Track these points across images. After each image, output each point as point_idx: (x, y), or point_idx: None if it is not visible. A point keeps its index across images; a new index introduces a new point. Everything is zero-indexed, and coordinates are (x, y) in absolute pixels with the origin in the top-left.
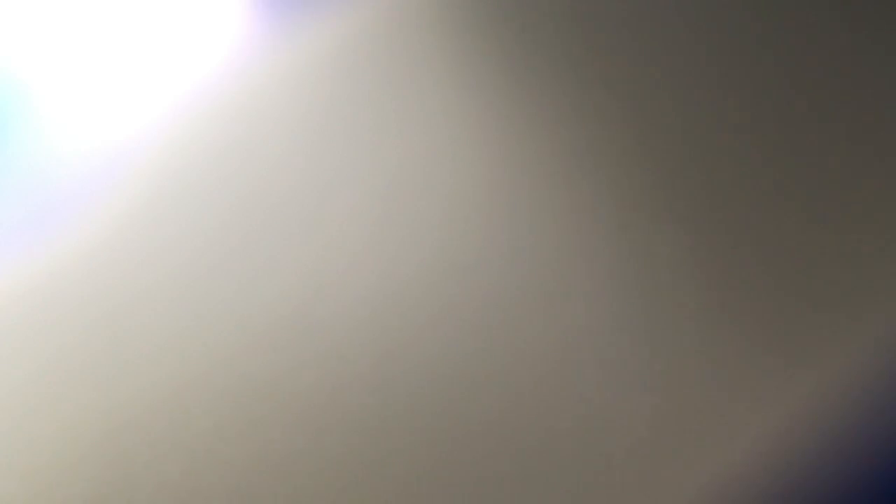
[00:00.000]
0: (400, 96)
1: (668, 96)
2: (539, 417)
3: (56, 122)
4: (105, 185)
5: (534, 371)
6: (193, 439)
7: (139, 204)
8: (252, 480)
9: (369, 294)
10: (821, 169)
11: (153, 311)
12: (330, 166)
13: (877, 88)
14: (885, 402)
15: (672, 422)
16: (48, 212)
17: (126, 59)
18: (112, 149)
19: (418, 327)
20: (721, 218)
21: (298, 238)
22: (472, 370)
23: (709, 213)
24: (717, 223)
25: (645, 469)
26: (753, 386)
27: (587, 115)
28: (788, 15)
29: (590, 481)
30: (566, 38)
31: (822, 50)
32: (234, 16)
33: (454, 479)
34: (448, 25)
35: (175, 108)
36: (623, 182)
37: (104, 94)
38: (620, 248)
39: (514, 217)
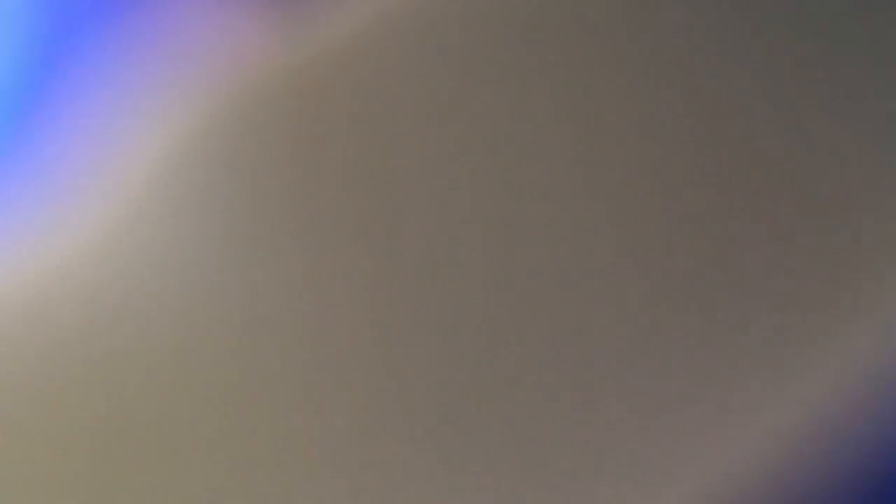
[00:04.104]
0: (401, 97)
1: (669, 98)
2: (538, 418)
3: (57, 121)
4: (104, 185)
5: (533, 372)
6: (194, 440)
7: (137, 204)
8: (252, 481)
9: (370, 295)
10: (824, 171)
11: (152, 310)
12: (330, 167)
13: (880, 91)
14: (887, 403)
15: (673, 422)
16: (48, 210)
17: (127, 59)
18: (111, 148)
19: (418, 328)
20: (723, 218)
21: (299, 238)
22: (473, 371)
23: (711, 214)
24: (718, 223)
25: (646, 470)
26: (756, 386)
27: (588, 116)
28: (791, 16)
29: (590, 482)
30: (568, 39)
31: (826, 51)
32: (234, 17)
33: (454, 480)
34: (449, 27)
35: (175, 109)
36: (624, 183)
37: (105, 93)
38: (621, 249)
39: (515, 218)
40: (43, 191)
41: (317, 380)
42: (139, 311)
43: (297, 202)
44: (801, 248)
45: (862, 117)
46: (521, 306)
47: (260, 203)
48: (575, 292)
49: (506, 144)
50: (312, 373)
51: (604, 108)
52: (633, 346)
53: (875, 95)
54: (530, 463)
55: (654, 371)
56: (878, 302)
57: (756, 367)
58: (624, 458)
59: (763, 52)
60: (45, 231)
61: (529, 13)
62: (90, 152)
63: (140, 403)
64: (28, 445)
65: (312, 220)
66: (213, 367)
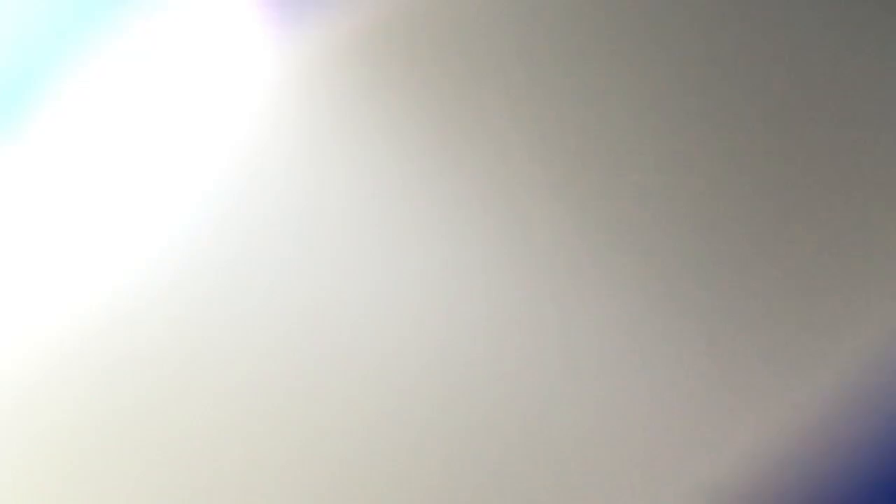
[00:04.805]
0: (405, 99)
1: (672, 98)
2: (539, 420)
3: (59, 122)
4: (103, 183)
5: (533, 373)
6: (194, 443)
7: (134, 204)
8: (253, 486)
9: (371, 298)
10: (826, 170)
11: (149, 312)
12: (333, 168)
13: (880, 90)
14: (888, 403)
15: (674, 424)
16: (47, 210)
17: (130, 61)
18: (113, 148)
19: (418, 330)
20: (725, 219)
21: (301, 239)
22: (473, 373)
23: (712, 215)
24: (720, 224)
25: (647, 472)
26: (757, 387)
27: (591, 117)
28: (794, 17)
29: (592, 483)
30: (570, 40)
31: (827, 51)
32: (237, 18)
33: (455, 484)
34: (453, 29)
35: (175, 110)
36: (627, 183)
37: (108, 96)
38: (623, 251)
39: (517, 219)
40: (42, 190)
41: (316, 378)
42: (133, 310)
43: (297, 202)
44: (801, 248)
45: (862, 118)
46: (525, 306)
47: (259, 203)
48: (576, 292)
49: (507, 142)
50: (310, 371)
51: (603, 108)
52: (633, 346)
53: (875, 96)
54: (530, 466)
55: (655, 372)
56: (879, 302)
57: (755, 367)
58: (624, 457)
59: (762, 54)
60: (43, 231)
61: (531, 14)
62: (88, 152)
63: (138, 405)
64: (26, 447)
65: (312, 222)
66: (209, 368)
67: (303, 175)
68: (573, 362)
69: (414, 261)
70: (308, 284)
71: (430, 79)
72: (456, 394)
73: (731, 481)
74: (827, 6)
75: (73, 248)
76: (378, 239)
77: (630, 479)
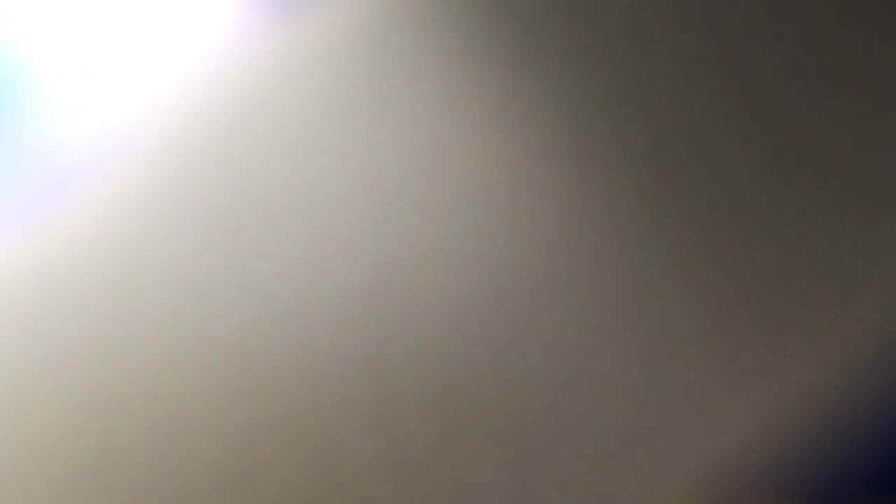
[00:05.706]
0: (399, 86)
1: (671, 94)
2: (535, 409)
3: (58, 103)
4: (103, 167)
5: (530, 362)
6: (187, 425)
7: (135, 186)
8: (247, 471)
9: (365, 282)
10: (819, 162)
11: (148, 293)
12: (328, 154)
13: (878, 88)
14: (883, 393)
15: (669, 412)
16: (46, 192)
17: (129, 41)
18: (111, 130)
19: (413, 318)
20: (720, 209)
21: (295, 225)
22: (469, 361)
23: (707, 204)
24: (715, 214)
25: (641, 461)
26: (751, 377)
27: (587, 110)
28: (794, 15)
29: (586, 474)
30: (568, 34)
31: (827, 50)
32: (240, 1)
33: (449, 473)
34: (450, 18)
35: (175, 92)
36: (623, 178)
37: (107, 75)
38: (618, 241)
39: (512, 211)
40: (40, 172)
41: (311, 362)
42: (131, 292)
43: (293, 187)
44: (800, 244)
45: (863, 116)
46: (520, 298)
47: (256, 188)
48: (571, 285)
49: (508, 139)
50: (305, 354)
51: (603, 106)
52: (630, 342)
53: (875, 96)
54: (525, 457)
55: (651, 366)
56: (878, 299)
57: (753, 357)
58: (620, 449)
59: (762, 52)
60: (42, 212)
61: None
62: (88, 133)
63: (134, 388)
64: (20, 432)
65: (308, 206)
66: (206, 351)
67: (295, 164)
68: (571, 351)
69: (406, 253)
70: (306, 265)
71: (420, 67)
72: (450, 385)
73: (728, 466)
74: (827, 6)
75: (77, 231)
76: (367, 224)
77: (626, 469)
